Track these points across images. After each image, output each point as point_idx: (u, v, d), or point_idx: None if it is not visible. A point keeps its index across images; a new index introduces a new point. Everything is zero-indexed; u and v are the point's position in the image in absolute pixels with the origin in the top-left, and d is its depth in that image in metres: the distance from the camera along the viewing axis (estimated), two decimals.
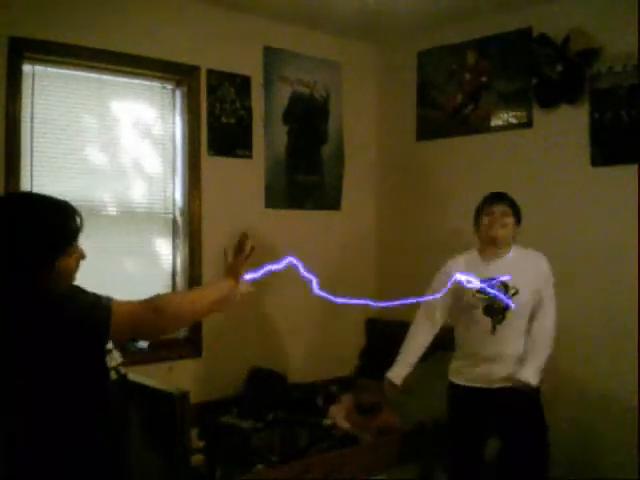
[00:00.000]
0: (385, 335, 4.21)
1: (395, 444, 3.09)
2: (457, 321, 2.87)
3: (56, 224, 1.66)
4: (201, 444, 2.96)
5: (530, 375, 2.62)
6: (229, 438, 3.04)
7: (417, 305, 4.20)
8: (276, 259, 3.89)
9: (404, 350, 2.94)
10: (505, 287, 2.68)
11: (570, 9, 3.37)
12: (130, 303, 1.72)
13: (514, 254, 2.77)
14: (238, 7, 3.62)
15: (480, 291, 2.67)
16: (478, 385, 2.74)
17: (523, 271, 2.70)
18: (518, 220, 2.79)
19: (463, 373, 2.80)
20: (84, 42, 3.11)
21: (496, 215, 2.75)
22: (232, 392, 3.54)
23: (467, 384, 2.78)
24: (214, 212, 3.59)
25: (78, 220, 1.70)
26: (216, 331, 3.58)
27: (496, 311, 2.68)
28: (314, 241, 4.01)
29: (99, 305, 1.63)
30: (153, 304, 1.72)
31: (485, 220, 2.79)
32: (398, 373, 2.87)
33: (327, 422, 3.17)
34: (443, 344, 3.75)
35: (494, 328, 2.69)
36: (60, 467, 1.64)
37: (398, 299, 4.26)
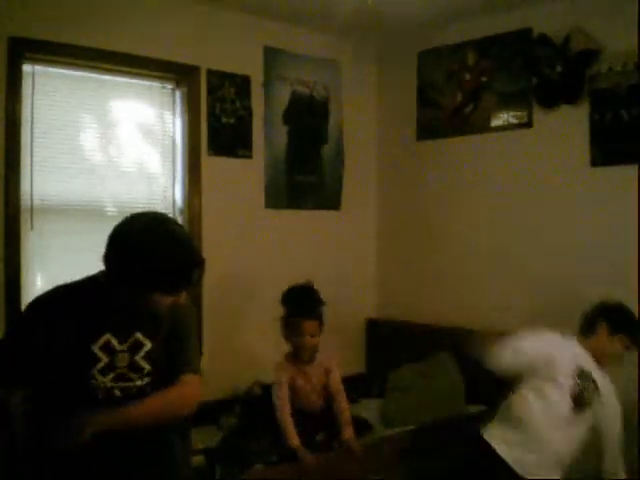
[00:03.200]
0: (385, 335, 4.22)
1: (394, 444, 3.09)
2: (528, 387, 2.61)
3: (176, 276, 1.73)
4: (201, 445, 2.95)
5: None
6: (229, 438, 3.03)
7: (415, 304, 4.21)
8: (276, 259, 3.90)
9: None
10: (596, 388, 2.56)
11: (570, 9, 3.37)
12: None
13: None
14: (238, 7, 3.62)
15: (581, 376, 2.54)
16: (521, 472, 2.46)
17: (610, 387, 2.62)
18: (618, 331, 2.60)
19: (512, 450, 2.50)
20: (84, 42, 3.11)
21: (620, 345, 2.60)
22: (232, 392, 3.54)
23: (511, 463, 2.48)
24: (214, 212, 3.59)
25: (196, 274, 1.77)
26: (216, 331, 3.58)
27: (582, 402, 2.53)
28: (314, 241, 4.01)
29: None
30: None
31: (608, 343, 2.61)
32: None
33: (319, 437, 3.08)
34: (443, 345, 3.76)
35: (571, 416, 2.52)
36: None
37: (397, 298, 4.29)
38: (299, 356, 3.01)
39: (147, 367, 1.82)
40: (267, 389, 3.12)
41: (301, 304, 3.00)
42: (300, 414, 2.96)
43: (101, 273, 1.81)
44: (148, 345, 1.83)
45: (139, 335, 1.82)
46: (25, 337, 1.72)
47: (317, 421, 3.04)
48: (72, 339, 1.72)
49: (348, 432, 2.95)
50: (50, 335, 1.71)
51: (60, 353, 1.71)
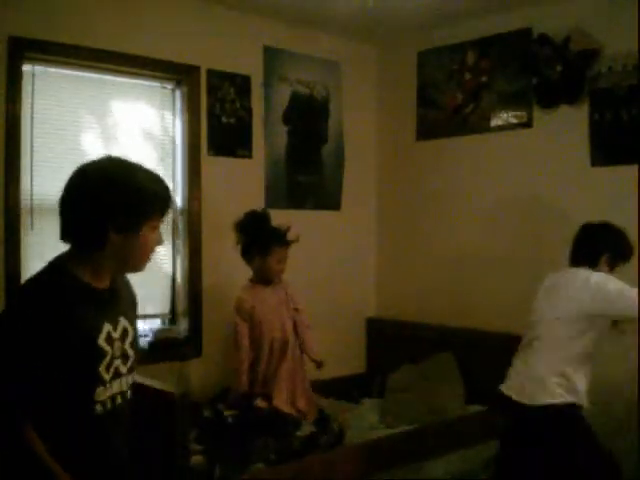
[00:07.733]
0: (385, 335, 4.22)
1: (396, 444, 3.09)
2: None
3: (146, 188, 1.66)
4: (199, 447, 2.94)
5: None
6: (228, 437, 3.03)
7: (415, 304, 4.21)
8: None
9: None
10: None
11: (570, 9, 3.37)
12: None
13: None
14: (238, 7, 3.62)
15: None
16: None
17: None
18: None
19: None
20: (84, 42, 3.11)
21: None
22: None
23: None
24: (214, 212, 3.59)
25: (168, 199, 1.72)
26: (216, 331, 3.58)
27: None
28: (314, 241, 4.01)
29: None
30: None
31: None
32: None
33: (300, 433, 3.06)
34: (443, 345, 3.76)
35: None
36: None
37: (397, 298, 4.30)
38: (265, 278, 3.22)
39: (132, 354, 1.72)
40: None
41: (276, 231, 3.19)
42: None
43: (59, 260, 1.72)
44: (131, 330, 1.73)
45: (123, 320, 1.71)
46: (37, 353, 1.51)
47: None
48: (79, 338, 1.56)
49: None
50: (59, 342, 1.53)
51: (68, 359, 1.54)
